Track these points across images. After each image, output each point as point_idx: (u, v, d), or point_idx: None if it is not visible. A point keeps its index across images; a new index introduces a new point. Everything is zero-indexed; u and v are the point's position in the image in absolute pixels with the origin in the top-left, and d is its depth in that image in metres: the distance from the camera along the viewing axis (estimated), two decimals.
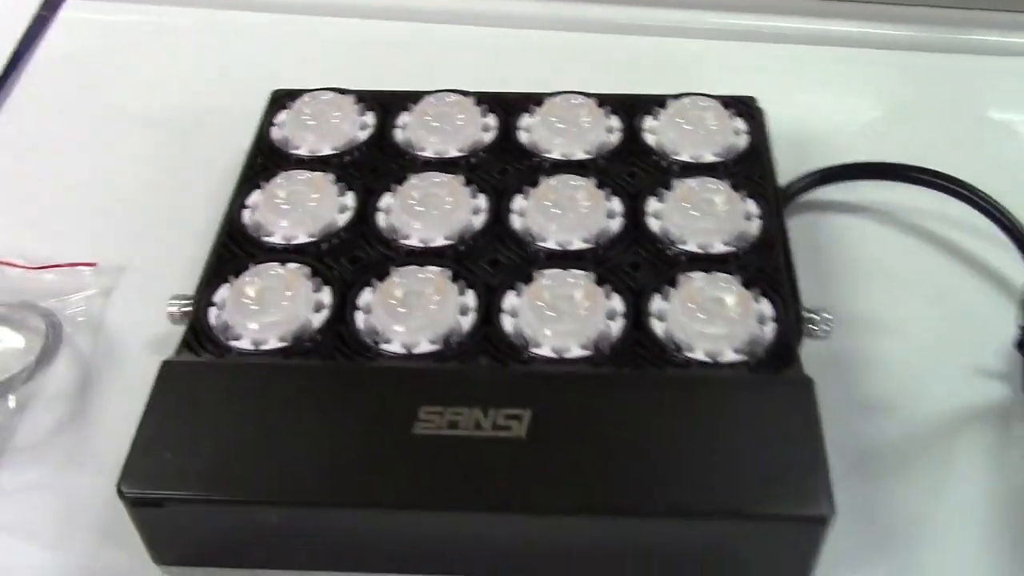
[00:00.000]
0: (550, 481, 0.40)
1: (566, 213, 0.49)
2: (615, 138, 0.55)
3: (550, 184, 0.51)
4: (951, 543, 0.44)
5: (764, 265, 0.48)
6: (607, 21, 0.71)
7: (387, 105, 0.57)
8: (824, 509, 0.39)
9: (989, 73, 0.68)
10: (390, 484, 0.41)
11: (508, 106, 0.56)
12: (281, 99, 0.57)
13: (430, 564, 0.42)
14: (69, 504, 0.45)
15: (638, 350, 0.45)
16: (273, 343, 0.45)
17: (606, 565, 0.42)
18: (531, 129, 0.55)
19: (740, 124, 0.55)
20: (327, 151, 0.54)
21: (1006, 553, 0.44)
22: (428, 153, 0.54)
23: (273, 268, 0.47)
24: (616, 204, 0.51)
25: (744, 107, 0.56)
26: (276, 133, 0.55)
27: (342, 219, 0.50)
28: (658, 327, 0.45)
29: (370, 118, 0.56)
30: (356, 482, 0.41)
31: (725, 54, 0.70)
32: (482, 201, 0.51)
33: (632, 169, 0.53)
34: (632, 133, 0.55)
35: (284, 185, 0.51)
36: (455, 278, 0.47)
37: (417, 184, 0.51)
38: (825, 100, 0.67)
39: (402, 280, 0.47)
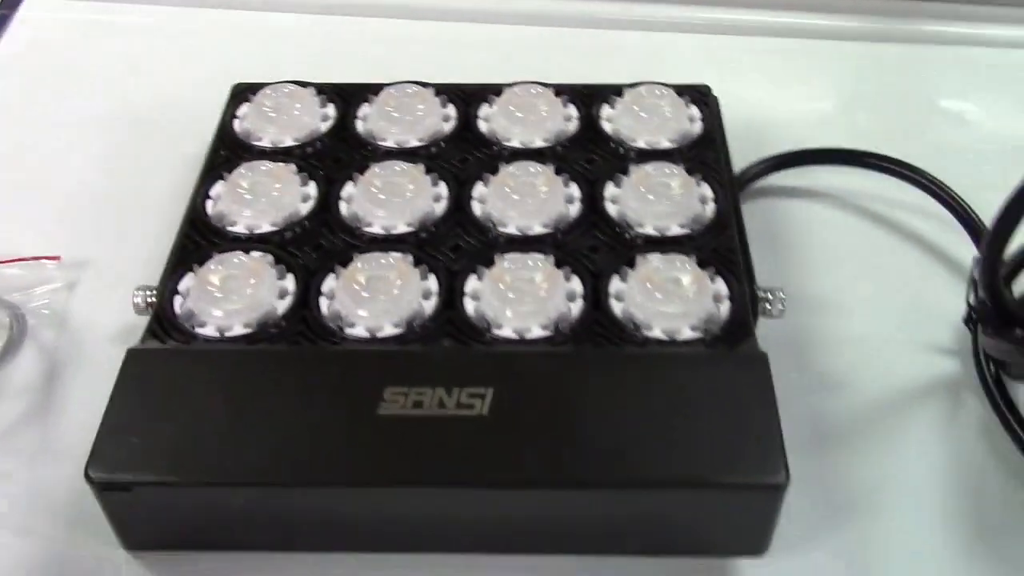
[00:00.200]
0: (513, 456, 0.41)
1: (525, 199, 0.50)
2: (573, 126, 0.55)
3: (509, 171, 0.51)
4: (903, 513, 0.45)
5: (719, 246, 0.49)
6: (565, 15, 0.72)
7: (348, 97, 0.57)
8: (780, 477, 0.40)
9: (939, 63, 0.70)
10: (357, 463, 0.41)
11: (467, 97, 0.57)
12: (242, 92, 0.57)
13: (398, 541, 0.43)
14: (37, 493, 0.45)
15: (597, 329, 0.45)
16: (238, 330, 0.45)
17: (570, 536, 0.43)
18: (490, 119, 0.56)
19: (695, 111, 0.56)
20: (289, 142, 0.55)
21: (956, 523, 0.45)
22: (389, 143, 0.54)
23: (237, 256, 0.48)
24: (575, 190, 0.52)
25: (699, 95, 0.57)
26: (238, 126, 0.56)
27: (305, 208, 0.51)
28: (617, 307, 0.46)
29: (331, 110, 0.56)
30: (324, 462, 0.41)
31: (682, 47, 0.71)
32: (443, 189, 0.52)
33: (590, 156, 0.54)
34: (590, 121, 0.55)
35: (247, 176, 0.52)
36: (417, 263, 0.48)
37: (379, 173, 0.52)
38: (779, 90, 0.68)
39: (365, 266, 0.47)
